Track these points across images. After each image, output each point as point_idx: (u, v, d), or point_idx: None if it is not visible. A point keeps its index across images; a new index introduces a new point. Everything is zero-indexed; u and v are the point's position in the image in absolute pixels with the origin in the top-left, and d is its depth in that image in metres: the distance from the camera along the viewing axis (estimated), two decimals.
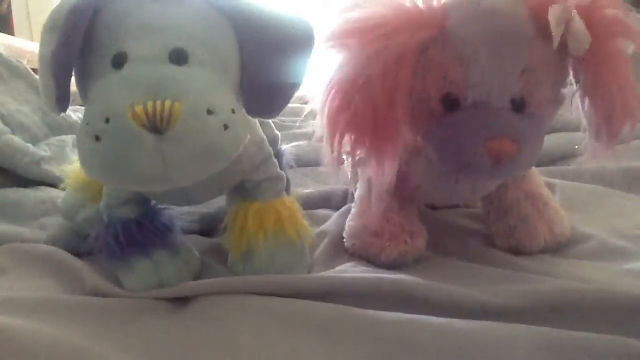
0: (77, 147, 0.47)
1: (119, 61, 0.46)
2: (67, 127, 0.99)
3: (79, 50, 0.47)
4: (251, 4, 0.50)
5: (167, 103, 0.42)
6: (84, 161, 0.46)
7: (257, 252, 0.57)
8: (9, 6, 2.08)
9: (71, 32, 0.46)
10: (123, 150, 0.43)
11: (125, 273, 0.56)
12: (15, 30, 2.07)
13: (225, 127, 0.45)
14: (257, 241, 0.57)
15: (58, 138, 0.93)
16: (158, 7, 0.47)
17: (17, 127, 0.86)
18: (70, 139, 0.94)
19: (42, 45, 0.47)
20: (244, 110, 0.51)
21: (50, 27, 0.46)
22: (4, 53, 0.98)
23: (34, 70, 1.08)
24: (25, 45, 1.47)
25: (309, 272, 0.60)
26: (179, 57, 0.47)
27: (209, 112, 0.44)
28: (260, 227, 0.57)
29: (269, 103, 0.53)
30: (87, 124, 0.45)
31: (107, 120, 0.43)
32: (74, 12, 0.46)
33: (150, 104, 0.42)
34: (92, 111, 0.45)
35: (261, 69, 0.50)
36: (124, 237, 0.55)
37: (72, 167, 0.69)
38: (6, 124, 0.83)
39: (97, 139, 0.43)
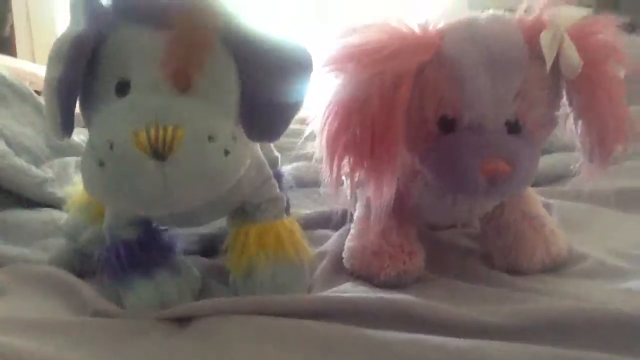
0: (81, 170, 0.48)
1: (122, 88, 0.48)
2: (70, 149, 1.00)
3: (83, 77, 0.48)
4: (250, 30, 0.51)
5: (169, 129, 0.44)
6: (88, 184, 0.47)
7: (258, 271, 0.57)
8: (12, 27, 2.10)
9: (75, 60, 0.47)
10: (126, 175, 0.44)
11: (127, 293, 0.56)
12: (17, 52, 2.08)
13: (226, 152, 0.47)
14: (257, 261, 0.57)
15: (60, 160, 0.94)
16: (159, 36, 0.48)
17: (20, 149, 0.87)
18: (72, 160, 0.95)
19: (47, 72, 0.48)
20: (244, 135, 0.52)
21: (55, 56, 0.47)
22: (7, 75, 0.99)
23: (37, 92, 1.10)
24: (27, 67, 1.49)
25: (308, 292, 0.60)
26: (181, 84, 0.48)
27: (210, 139, 0.46)
28: (261, 247, 0.58)
29: (269, 127, 0.54)
30: (92, 148, 0.46)
31: (111, 146, 0.44)
32: (78, 41, 0.47)
33: (152, 130, 0.43)
34: (96, 137, 0.47)
35: (260, 94, 0.51)
36: (126, 257, 0.56)
37: (74, 189, 0.70)
38: (9, 145, 0.84)
39: (101, 164, 0.45)
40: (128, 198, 0.46)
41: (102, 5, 0.49)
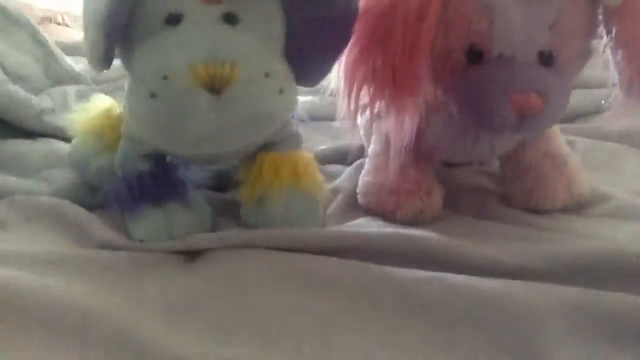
0: (127, 103, 0.49)
1: (173, 20, 0.47)
2: (69, 78, 0.97)
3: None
4: None
5: (227, 65, 0.44)
6: (136, 117, 0.48)
7: (271, 201, 0.56)
8: None
9: None
10: (179, 108, 0.45)
11: (136, 222, 0.55)
12: None
13: (281, 91, 0.48)
14: (271, 190, 0.56)
15: (59, 88, 0.91)
16: None
17: (17, 78, 0.83)
18: (71, 89, 0.92)
19: (90, 5, 0.47)
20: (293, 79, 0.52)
21: None
22: (2, 1, 0.95)
23: None
24: None
25: (322, 227, 0.58)
26: (231, 19, 0.48)
27: (266, 75, 0.46)
28: (275, 176, 0.56)
29: (313, 72, 0.54)
30: (141, 80, 0.46)
31: (165, 77, 0.44)
32: None
33: (210, 65, 0.44)
34: (146, 68, 0.47)
35: (305, 38, 0.51)
36: (138, 188, 0.55)
37: (78, 117, 0.68)
38: (6, 74, 0.81)
39: (153, 95, 0.45)
40: (178, 132, 0.46)
41: None
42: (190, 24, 0.47)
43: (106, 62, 0.49)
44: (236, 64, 0.44)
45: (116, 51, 0.50)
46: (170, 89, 0.44)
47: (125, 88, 0.54)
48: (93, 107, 0.68)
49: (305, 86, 0.56)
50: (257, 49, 0.48)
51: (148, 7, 0.48)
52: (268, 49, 0.49)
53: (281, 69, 0.49)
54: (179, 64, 0.44)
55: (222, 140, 0.48)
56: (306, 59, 0.52)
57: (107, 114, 0.66)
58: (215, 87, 0.44)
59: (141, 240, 0.54)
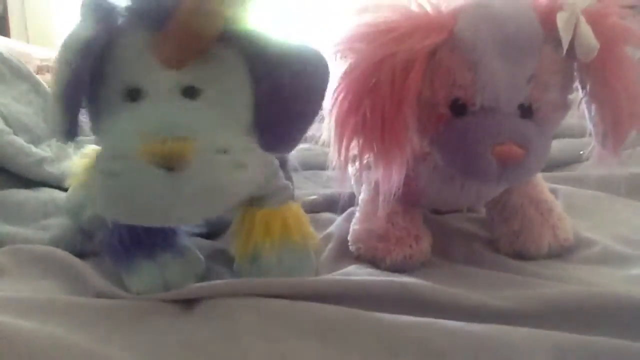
0: (90, 180, 0.49)
1: (132, 95, 0.48)
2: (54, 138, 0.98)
3: (90, 80, 0.47)
4: (262, 36, 0.50)
5: (180, 142, 0.43)
6: (98, 196, 0.47)
7: (263, 257, 0.57)
8: (5, 7, 2.07)
9: (82, 64, 0.46)
10: (136, 187, 0.44)
11: (130, 275, 0.55)
12: (11, 33, 2.05)
13: (239, 165, 0.47)
14: (263, 246, 0.57)
15: None
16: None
17: (18, 128, 0.85)
18: None
19: (56, 74, 0.47)
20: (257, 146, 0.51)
21: (64, 58, 0.46)
22: (5, 53, 0.98)
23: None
24: (21, 47, 1.46)
25: (315, 276, 0.59)
26: (191, 93, 0.48)
27: (223, 151, 0.46)
28: (267, 233, 0.57)
29: (284, 138, 0.53)
30: (99, 158, 0.46)
31: (121, 157, 0.44)
32: (86, 44, 0.46)
33: (160, 143, 0.43)
34: (106, 147, 0.47)
35: (276, 104, 0.50)
36: (129, 240, 0.55)
37: (75, 164, 0.69)
38: (8, 124, 0.83)
39: (111, 175, 0.45)
40: (136, 211, 0.46)
41: (112, 7, 0.49)
42: (147, 99, 0.47)
43: (70, 134, 0.49)
44: (189, 140, 0.44)
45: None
46: (123, 169, 0.44)
47: None
48: (85, 157, 0.68)
49: (277, 153, 0.58)
50: (214, 124, 0.47)
51: (108, 81, 0.48)
52: (228, 122, 0.49)
53: (240, 144, 0.48)
54: (132, 142, 0.44)
55: (175, 215, 0.47)
56: (275, 129, 0.52)
57: None
58: (168, 164, 0.43)
59: (137, 294, 0.54)
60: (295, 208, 0.61)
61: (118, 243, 0.55)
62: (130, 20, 0.49)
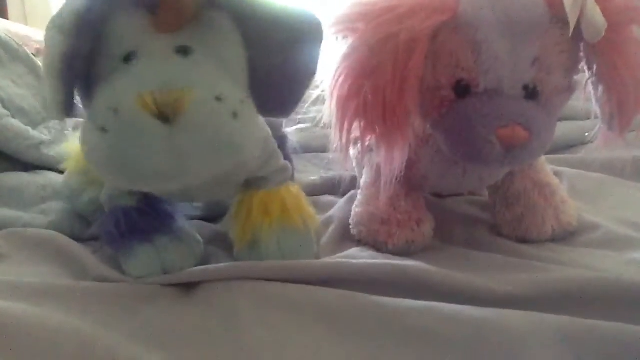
0: (81, 142, 0.47)
1: (129, 58, 0.46)
2: (50, 114, 0.97)
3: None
4: (253, 1, 0.49)
5: (176, 90, 0.42)
6: (89, 156, 0.46)
7: (263, 240, 0.56)
8: None
9: (81, 34, 0.45)
10: (132, 141, 0.43)
11: (127, 259, 0.55)
12: (9, 15, 2.04)
13: (234, 114, 0.45)
14: (262, 229, 0.56)
15: (57, 122, 0.92)
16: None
17: (16, 111, 0.84)
18: (69, 122, 0.92)
19: (48, 47, 0.46)
20: (252, 105, 0.50)
21: (59, 28, 0.45)
22: (3, 35, 0.96)
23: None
24: (20, 30, 1.45)
25: (316, 259, 0.59)
26: (183, 52, 0.47)
27: (217, 99, 0.44)
28: (266, 215, 0.57)
29: (281, 101, 0.52)
30: (93, 117, 0.44)
31: (115, 111, 0.43)
32: (84, 14, 0.45)
33: (158, 92, 0.42)
34: (99, 105, 0.45)
35: (269, 66, 0.49)
36: (125, 224, 0.55)
37: (71, 147, 0.69)
38: (5, 107, 0.82)
39: (104, 130, 0.43)
40: (134, 169, 0.44)
41: None
42: (142, 59, 0.46)
43: (66, 109, 0.47)
44: (185, 90, 0.43)
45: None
46: (120, 122, 0.43)
47: None
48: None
49: (277, 117, 0.57)
50: (208, 74, 0.46)
51: (106, 49, 0.47)
52: (222, 75, 0.47)
53: (235, 93, 0.47)
54: (127, 95, 0.43)
55: (180, 173, 0.45)
56: (270, 92, 0.51)
57: None
58: (166, 115, 0.42)
59: (136, 277, 0.54)
60: (295, 189, 0.60)
61: (114, 228, 0.55)
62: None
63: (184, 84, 0.43)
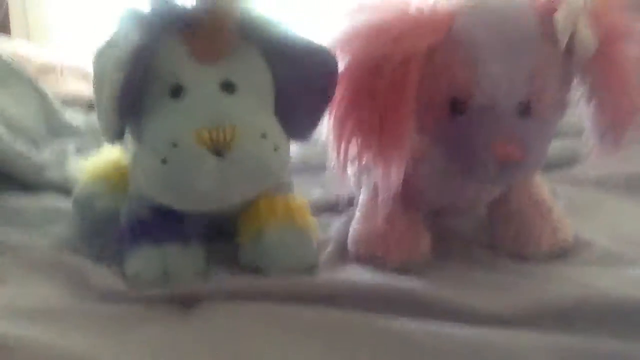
0: (139, 170, 0.54)
1: (176, 92, 0.53)
2: (68, 132, 0.98)
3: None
4: (279, 32, 0.56)
5: (228, 128, 0.50)
6: (148, 182, 0.53)
7: (267, 236, 0.58)
8: (6, 6, 2.06)
9: (135, 70, 0.51)
10: (188, 171, 0.50)
11: (131, 257, 0.57)
12: (12, 30, 2.05)
13: (276, 148, 0.53)
14: (267, 225, 0.59)
15: (58, 141, 0.92)
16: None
17: (18, 131, 0.85)
18: (71, 143, 0.93)
19: (105, 78, 0.51)
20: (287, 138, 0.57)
21: (116, 61, 0.50)
22: (4, 55, 0.97)
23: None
24: (23, 48, 1.46)
25: (316, 264, 0.61)
26: (229, 88, 0.53)
27: (263, 136, 0.52)
28: (271, 213, 0.60)
29: (302, 128, 0.59)
30: (152, 148, 0.51)
31: (174, 145, 0.49)
32: (138, 51, 0.50)
33: (213, 130, 0.49)
34: (157, 137, 0.51)
35: (293, 98, 0.57)
36: (139, 228, 0.58)
37: (88, 163, 0.71)
38: (7, 127, 0.82)
39: (164, 162, 0.50)
40: (188, 193, 0.51)
41: (150, 14, 0.54)
42: (192, 95, 0.52)
43: (117, 137, 0.55)
44: (236, 128, 0.50)
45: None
46: (179, 155, 0.49)
47: (127, 148, 0.59)
48: (103, 156, 0.71)
49: (297, 141, 0.60)
50: (254, 112, 0.53)
51: (152, 80, 0.53)
52: (263, 111, 0.55)
53: (276, 129, 0.54)
54: (186, 132, 0.49)
55: (225, 197, 0.52)
56: (294, 117, 0.57)
57: (116, 162, 0.69)
58: (218, 149, 0.49)
59: (135, 276, 0.55)
60: (299, 198, 0.63)
61: (128, 232, 0.58)
62: (163, 24, 0.54)
63: (234, 122, 0.50)
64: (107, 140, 0.56)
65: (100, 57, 0.54)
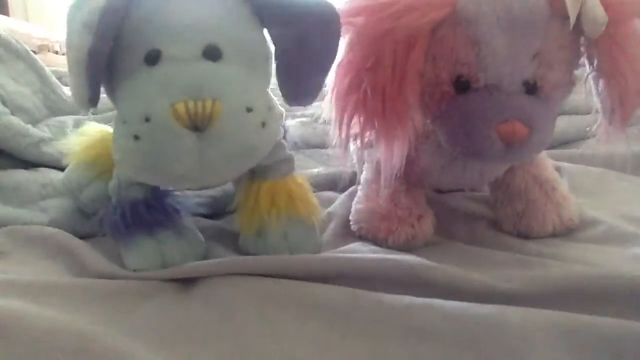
0: (113, 145, 0.48)
1: (152, 58, 0.47)
2: (67, 108, 0.97)
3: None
4: None
5: (208, 102, 0.43)
6: (122, 160, 0.48)
7: (269, 230, 0.57)
8: None
9: (106, 30, 0.46)
10: (163, 149, 0.44)
11: (129, 251, 0.55)
12: (11, 11, 2.04)
13: (263, 124, 0.47)
14: (269, 220, 0.57)
15: (57, 119, 0.92)
16: (186, 3, 0.48)
17: (16, 108, 0.84)
18: (69, 119, 0.92)
19: (74, 44, 0.47)
20: (276, 103, 0.51)
21: (83, 24, 0.45)
22: (2, 33, 0.96)
23: (33, 52, 1.07)
24: (21, 27, 1.45)
25: (318, 252, 0.59)
26: (212, 54, 0.47)
27: (248, 110, 0.46)
28: (272, 205, 0.57)
29: (306, 90, 0.53)
30: (125, 122, 0.46)
31: (147, 119, 0.44)
32: (109, 10, 0.46)
33: (191, 104, 0.43)
34: (129, 110, 0.46)
35: (291, 57, 0.50)
36: (131, 216, 0.55)
37: (74, 143, 0.69)
38: (5, 105, 0.81)
39: (136, 138, 0.44)
40: (163, 172, 0.46)
41: None
42: (169, 62, 0.46)
43: (91, 103, 0.49)
44: (217, 101, 0.44)
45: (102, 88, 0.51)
46: (153, 131, 0.44)
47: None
48: (86, 135, 0.69)
49: (298, 105, 0.57)
50: (239, 83, 0.47)
51: (125, 47, 0.48)
52: (251, 80, 0.49)
53: (264, 101, 0.49)
54: (160, 105, 0.44)
55: (206, 177, 0.48)
56: (293, 82, 0.52)
57: (101, 142, 0.67)
58: (197, 125, 0.43)
59: (135, 270, 0.54)
60: (301, 180, 0.60)
61: (120, 218, 0.55)
62: None
63: (215, 95, 0.44)
64: (79, 107, 0.50)
65: (69, 20, 0.48)
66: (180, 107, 0.43)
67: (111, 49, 0.47)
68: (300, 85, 0.53)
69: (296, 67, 0.51)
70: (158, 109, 0.44)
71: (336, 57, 0.52)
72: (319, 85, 0.53)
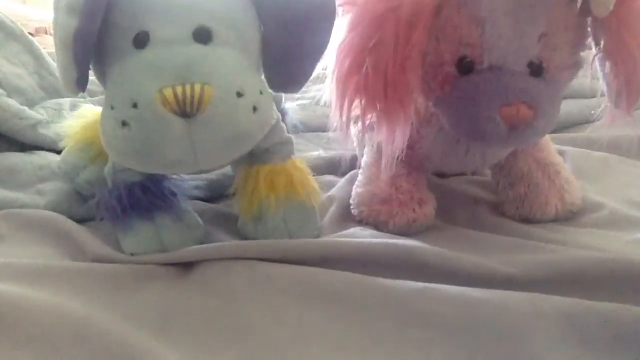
0: (101, 130, 0.47)
1: (141, 41, 0.45)
2: (64, 90, 0.96)
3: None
4: None
5: (197, 87, 0.42)
6: (110, 146, 0.46)
7: (269, 214, 0.56)
8: None
9: (93, 12, 0.44)
10: (151, 136, 0.43)
11: (127, 236, 0.54)
12: None
13: (254, 109, 0.45)
14: (268, 204, 0.56)
15: (54, 101, 0.90)
16: None
17: (12, 90, 0.83)
18: (66, 101, 0.91)
19: (59, 26, 0.45)
20: (267, 87, 0.50)
21: (69, 8, 0.44)
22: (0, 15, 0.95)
23: (30, 34, 1.05)
24: (18, 9, 1.43)
25: (318, 236, 0.59)
26: (203, 36, 0.46)
27: (239, 95, 0.44)
28: (272, 189, 0.56)
29: (293, 77, 0.52)
30: (112, 107, 0.44)
31: (135, 105, 0.43)
32: None
33: (179, 88, 0.42)
34: (117, 95, 0.45)
35: (283, 44, 0.49)
36: (128, 200, 0.54)
37: (70, 125, 0.68)
38: (1, 86, 0.81)
39: (124, 124, 0.43)
40: (152, 159, 0.45)
41: None
42: (158, 45, 0.45)
43: (80, 85, 0.48)
44: (207, 85, 0.42)
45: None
46: (140, 117, 0.43)
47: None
48: (83, 117, 0.68)
49: (287, 92, 0.56)
50: (230, 66, 0.46)
51: (113, 29, 0.47)
52: (242, 63, 0.48)
53: (255, 84, 0.47)
54: (147, 90, 0.43)
55: (197, 163, 0.46)
56: (284, 66, 0.51)
57: (96, 124, 0.66)
58: (186, 112, 0.42)
59: (132, 254, 0.53)
60: (299, 163, 0.59)
61: (117, 202, 0.54)
62: None
63: (204, 79, 0.43)
64: (66, 91, 0.49)
65: (55, 1, 0.47)
66: (168, 93, 0.42)
67: (99, 30, 0.46)
68: (287, 72, 0.52)
69: (286, 51, 0.50)
70: (145, 94, 0.42)
71: (327, 45, 0.51)
72: (307, 73, 0.52)
